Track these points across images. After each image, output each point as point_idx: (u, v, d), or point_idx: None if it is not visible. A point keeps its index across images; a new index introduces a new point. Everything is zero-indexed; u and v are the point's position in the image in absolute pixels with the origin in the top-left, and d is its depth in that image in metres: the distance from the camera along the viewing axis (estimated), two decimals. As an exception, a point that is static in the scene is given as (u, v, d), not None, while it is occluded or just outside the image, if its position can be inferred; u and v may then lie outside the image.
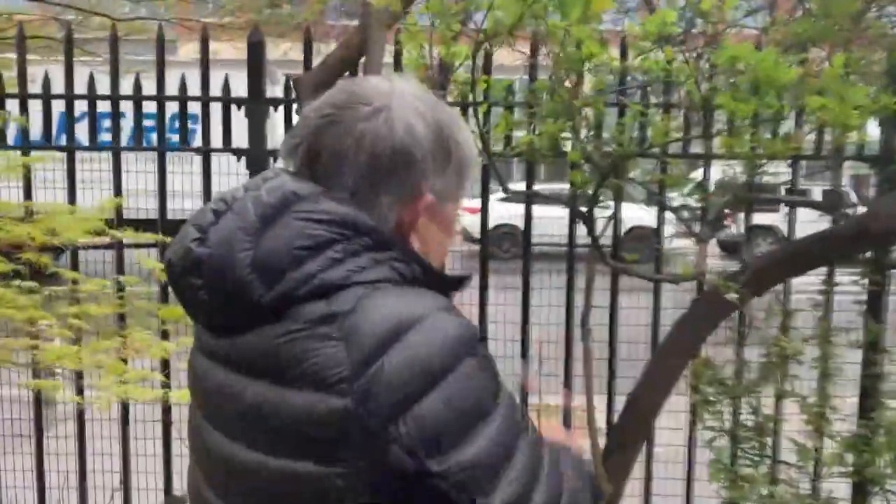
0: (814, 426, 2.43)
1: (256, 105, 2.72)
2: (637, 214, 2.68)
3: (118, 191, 2.72)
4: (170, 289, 1.03)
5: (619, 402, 2.57)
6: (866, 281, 2.57)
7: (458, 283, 1.05)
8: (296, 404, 0.87)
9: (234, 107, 2.71)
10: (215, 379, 0.97)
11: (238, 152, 2.73)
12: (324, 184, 0.95)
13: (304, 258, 0.90)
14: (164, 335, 2.53)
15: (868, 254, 2.65)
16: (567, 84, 2.02)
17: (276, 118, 2.74)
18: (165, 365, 2.64)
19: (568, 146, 2.30)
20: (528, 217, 2.75)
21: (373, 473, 0.85)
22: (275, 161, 2.73)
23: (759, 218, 3.04)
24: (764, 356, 2.47)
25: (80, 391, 2.72)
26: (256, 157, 2.71)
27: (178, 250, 0.94)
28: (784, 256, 2.47)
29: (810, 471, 2.45)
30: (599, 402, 2.60)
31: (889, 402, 2.38)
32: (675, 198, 2.81)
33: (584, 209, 2.19)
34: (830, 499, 2.36)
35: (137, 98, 2.70)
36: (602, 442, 2.44)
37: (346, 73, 2.63)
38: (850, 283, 2.64)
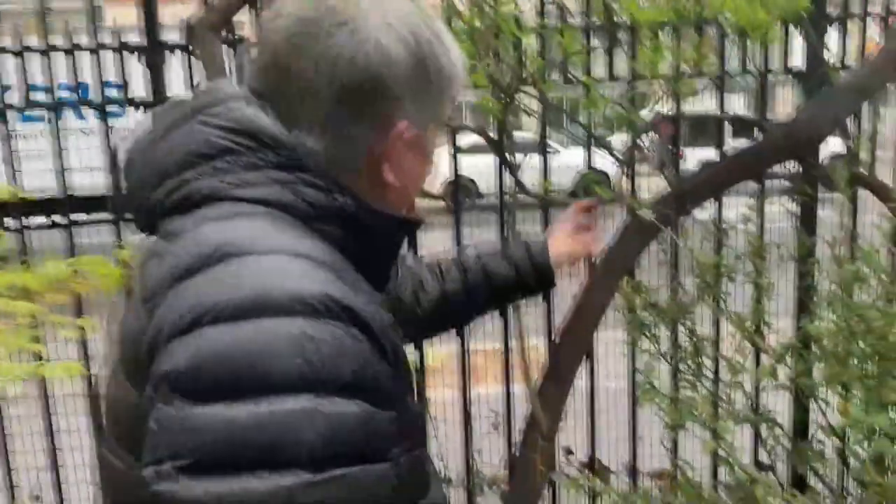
0: (748, 342, 2.41)
1: (153, 52, 2.54)
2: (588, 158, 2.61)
3: (8, 160, 2.54)
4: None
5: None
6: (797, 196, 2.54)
7: (409, 225, 0.92)
8: (127, 321, 0.84)
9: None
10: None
11: (137, 104, 2.56)
12: (292, 113, 0.83)
13: (190, 165, 0.83)
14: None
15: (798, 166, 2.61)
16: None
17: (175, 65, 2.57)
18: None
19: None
20: (455, 167, 2.60)
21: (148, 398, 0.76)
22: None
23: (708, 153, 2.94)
24: (697, 276, 2.43)
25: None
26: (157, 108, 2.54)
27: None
28: (711, 174, 2.42)
29: (748, 388, 2.44)
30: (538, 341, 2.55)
31: (820, 313, 2.36)
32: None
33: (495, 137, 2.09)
34: (766, 413, 2.35)
35: (21, 51, 2.49)
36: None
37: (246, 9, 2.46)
38: (781, 198, 2.61)
